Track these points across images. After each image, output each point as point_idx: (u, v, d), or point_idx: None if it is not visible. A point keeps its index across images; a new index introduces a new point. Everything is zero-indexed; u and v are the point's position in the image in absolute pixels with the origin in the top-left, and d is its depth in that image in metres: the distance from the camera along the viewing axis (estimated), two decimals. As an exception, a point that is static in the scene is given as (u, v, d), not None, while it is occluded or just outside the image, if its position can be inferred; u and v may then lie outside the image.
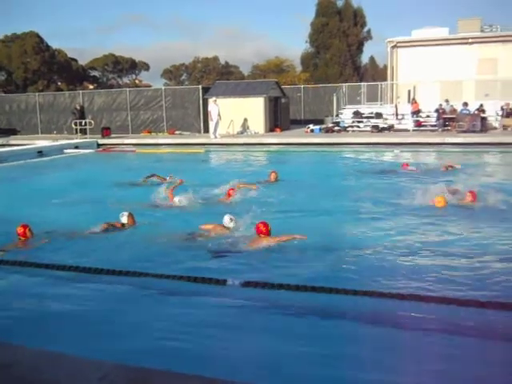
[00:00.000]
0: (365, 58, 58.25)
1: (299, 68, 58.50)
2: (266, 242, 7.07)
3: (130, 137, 27.13)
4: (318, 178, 13.38)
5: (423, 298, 5.17)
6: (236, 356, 4.38)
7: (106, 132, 26.36)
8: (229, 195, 10.20)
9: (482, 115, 23.49)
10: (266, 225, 7.13)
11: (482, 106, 23.98)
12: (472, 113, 23.51)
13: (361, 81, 42.20)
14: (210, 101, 25.28)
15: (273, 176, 12.34)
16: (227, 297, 5.50)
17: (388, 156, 18.60)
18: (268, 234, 7.11)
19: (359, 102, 28.99)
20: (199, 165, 18.54)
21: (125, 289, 5.91)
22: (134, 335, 4.81)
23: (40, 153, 21.01)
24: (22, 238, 7.59)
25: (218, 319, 5.09)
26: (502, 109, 23.82)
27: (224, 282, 5.61)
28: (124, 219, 8.35)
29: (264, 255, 6.85)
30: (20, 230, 7.57)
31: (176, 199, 9.64)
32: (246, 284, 5.55)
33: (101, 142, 24.75)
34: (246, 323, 5.04)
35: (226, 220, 7.76)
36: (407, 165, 14.25)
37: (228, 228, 7.71)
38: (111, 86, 54.97)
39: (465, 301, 5.12)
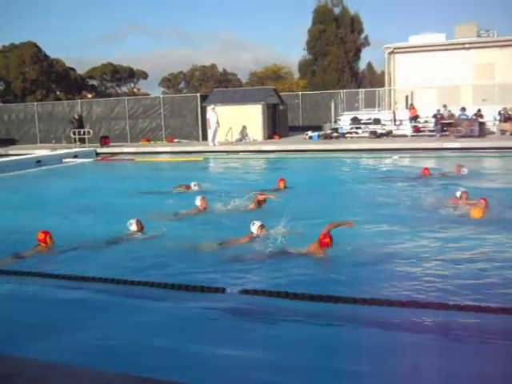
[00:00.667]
0: (362, 65, 58.43)
1: (297, 75, 58.66)
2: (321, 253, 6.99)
3: (129, 145, 27.15)
4: (321, 185, 13.32)
5: (422, 305, 5.16)
6: (235, 365, 4.37)
7: (105, 141, 26.36)
8: (258, 203, 10.12)
9: (480, 120, 23.53)
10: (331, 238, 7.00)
11: (479, 110, 24.03)
12: (470, 118, 23.56)
13: (359, 87, 42.22)
14: (209, 108, 25.32)
15: (281, 184, 12.32)
16: (226, 304, 5.49)
17: (388, 161, 18.60)
18: (329, 245, 6.96)
19: (357, 109, 29.01)
20: (201, 173, 18.48)
21: (121, 297, 5.89)
22: (132, 343, 4.81)
23: (39, 162, 20.99)
24: (43, 245, 7.55)
25: (218, 328, 5.09)
26: (500, 113, 23.87)
27: (223, 291, 5.60)
28: (133, 227, 8.34)
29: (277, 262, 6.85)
30: (40, 236, 7.54)
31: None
32: (245, 292, 5.54)
33: (99, 150, 24.79)
34: (245, 331, 5.03)
35: (256, 227, 7.70)
36: (427, 169, 13.71)
37: (256, 235, 7.66)
38: (110, 95, 55.04)
39: (464, 306, 5.12)
